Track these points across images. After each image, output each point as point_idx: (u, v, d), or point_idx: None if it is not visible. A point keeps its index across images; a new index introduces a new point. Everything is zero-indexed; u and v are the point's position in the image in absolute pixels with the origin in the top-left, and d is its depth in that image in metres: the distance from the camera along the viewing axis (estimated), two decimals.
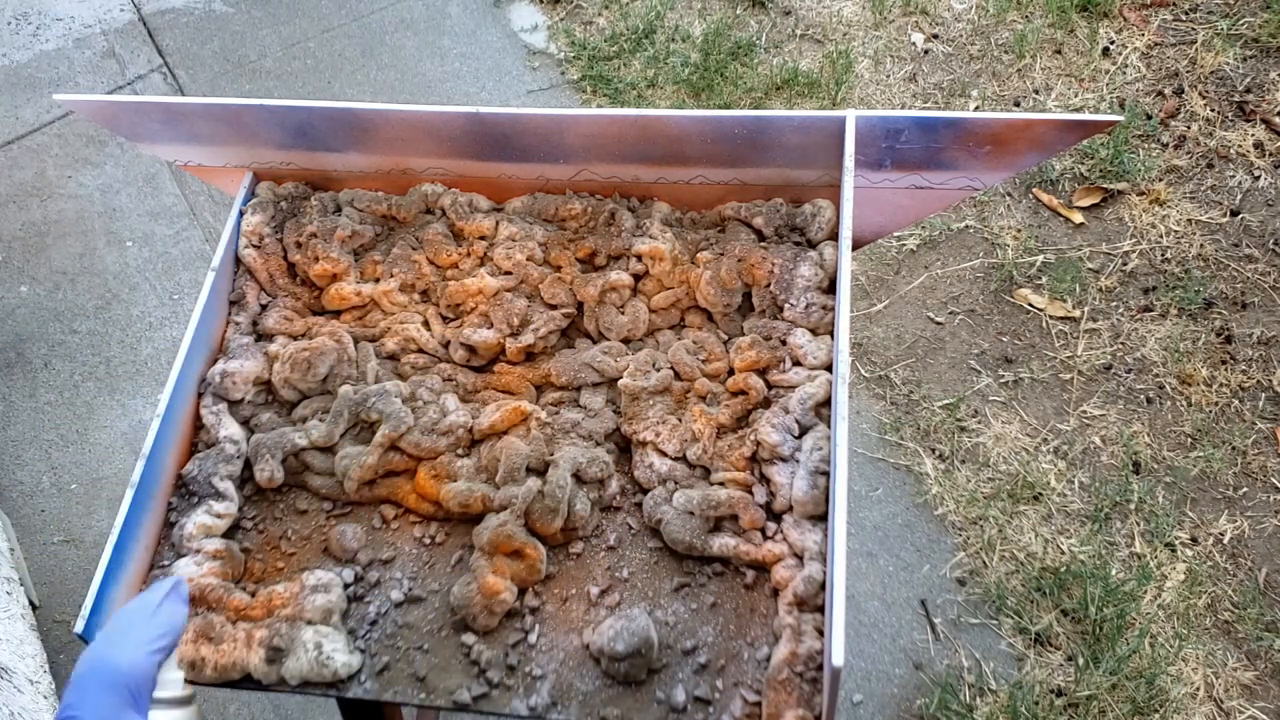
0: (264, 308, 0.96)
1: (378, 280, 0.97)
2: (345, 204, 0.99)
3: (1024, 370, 1.94)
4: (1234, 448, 1.81)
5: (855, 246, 0.95)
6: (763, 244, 0.92)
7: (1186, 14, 2.41)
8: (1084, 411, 1.88)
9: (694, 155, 0.91)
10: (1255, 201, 2.11)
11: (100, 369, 2.08)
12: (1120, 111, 2.25)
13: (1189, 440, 1.83)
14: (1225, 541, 1.72)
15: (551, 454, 0.84)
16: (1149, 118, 2.24)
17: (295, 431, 0.87)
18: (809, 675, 0.70)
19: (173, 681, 0.49)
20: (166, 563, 0.82)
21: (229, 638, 0.73)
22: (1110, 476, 1.80)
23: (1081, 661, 1.60)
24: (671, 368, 0.90)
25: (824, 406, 0.82)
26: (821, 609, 0.74)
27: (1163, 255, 2.06)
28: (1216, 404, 1.86)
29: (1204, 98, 2.26)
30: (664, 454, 0.85)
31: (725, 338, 0.92)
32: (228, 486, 0.84)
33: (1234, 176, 2.15)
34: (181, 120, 0.91)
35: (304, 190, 1.00)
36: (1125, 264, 2.05)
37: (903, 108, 2.33)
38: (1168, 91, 2.28)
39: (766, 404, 0.85)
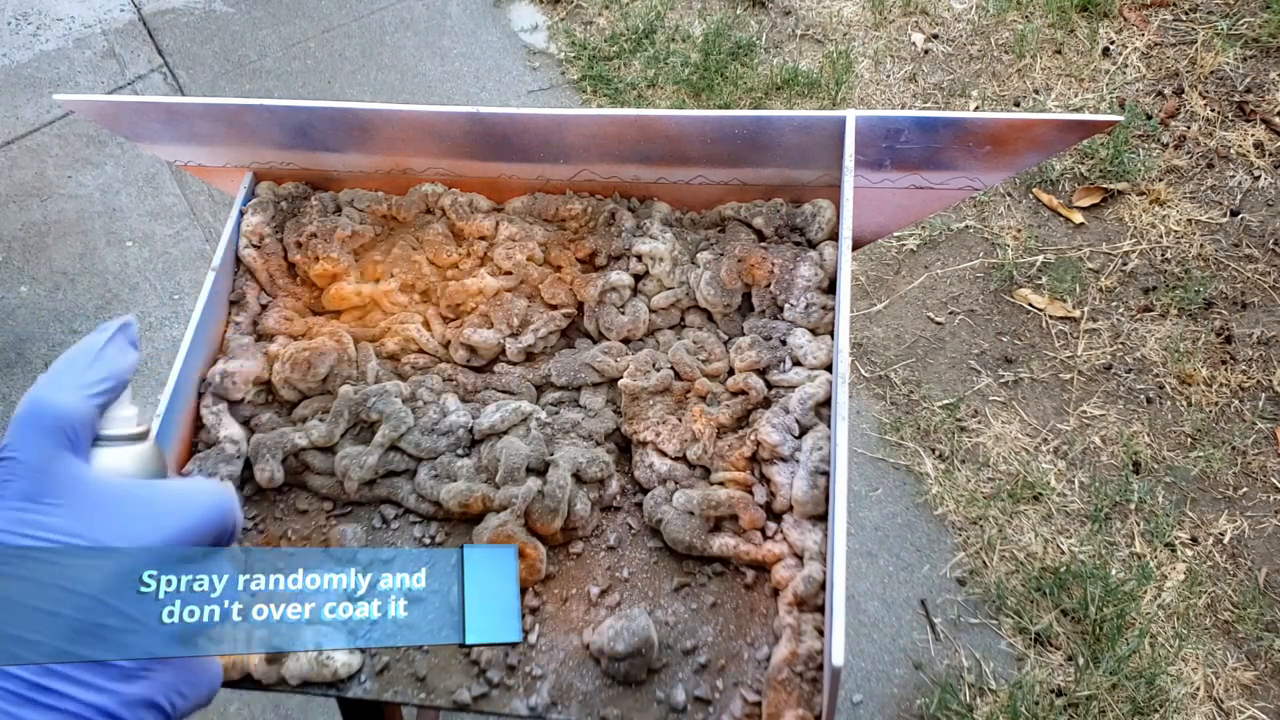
0: (264, 308, 0.96)
1: (378, 280, 0.97)
2: (345, 204, 0.99)
3: (1024, 370, 1.94)
4: (1234, 448, 1.81)
5: (855, 246, 0.95)
6: (763, 244, 0.92)
7: (1186, 14, 2.41)
8: (1084, 411, 1.88)
9: (694, 155, 0.91)
10: (1255, 201, 2.11)
11: None
12: (1120, 111, 2.25)
13: (1189, 440, 1.83)
14: (1225, 541, 1.72)
15: (551, 454, 0.84)
16: (1149, 118, 2.24)
17: (295, 431, 0.87)
18: (809, 675, 0.70)
19: (124, 419, 0.47)
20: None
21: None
22: (1110, 476, 1.80)
23: (1081, 661, 1.60)
24: (671, 368, 0.90)
25: (824, 406, 0.82)
26: (821, 609, 0.74)
27: (1163, 255, 2.06)
28: (1216, 404, 1.86)
29: (1204, 98, 2.26)
30: (664, 454, 0.85)
31: (725, 338, 0.92)
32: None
33: (1234, 176, 2.15)
34: (181, 120, 0.91)
35: (304, 190, 1.00)
36: (1125, 264, 2.05)
37: (903, 108, 2.33)
38: (1168, 91, 2.28)
39: (766, 404, 0.85)
